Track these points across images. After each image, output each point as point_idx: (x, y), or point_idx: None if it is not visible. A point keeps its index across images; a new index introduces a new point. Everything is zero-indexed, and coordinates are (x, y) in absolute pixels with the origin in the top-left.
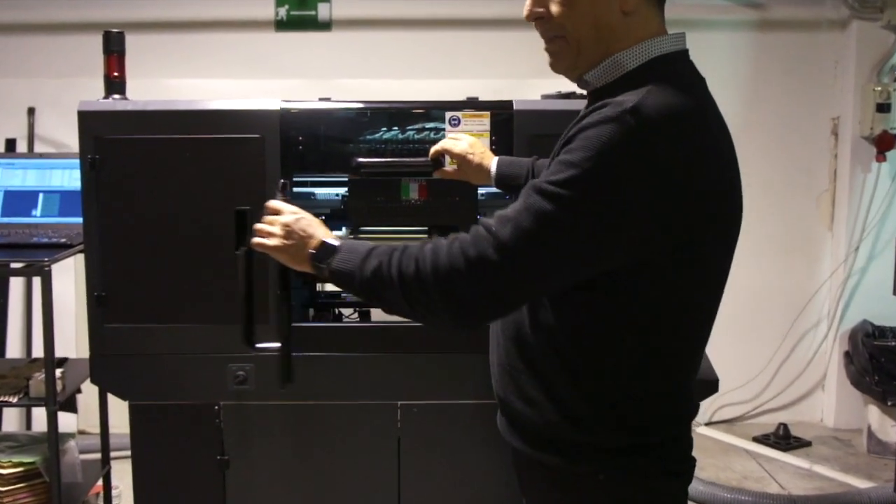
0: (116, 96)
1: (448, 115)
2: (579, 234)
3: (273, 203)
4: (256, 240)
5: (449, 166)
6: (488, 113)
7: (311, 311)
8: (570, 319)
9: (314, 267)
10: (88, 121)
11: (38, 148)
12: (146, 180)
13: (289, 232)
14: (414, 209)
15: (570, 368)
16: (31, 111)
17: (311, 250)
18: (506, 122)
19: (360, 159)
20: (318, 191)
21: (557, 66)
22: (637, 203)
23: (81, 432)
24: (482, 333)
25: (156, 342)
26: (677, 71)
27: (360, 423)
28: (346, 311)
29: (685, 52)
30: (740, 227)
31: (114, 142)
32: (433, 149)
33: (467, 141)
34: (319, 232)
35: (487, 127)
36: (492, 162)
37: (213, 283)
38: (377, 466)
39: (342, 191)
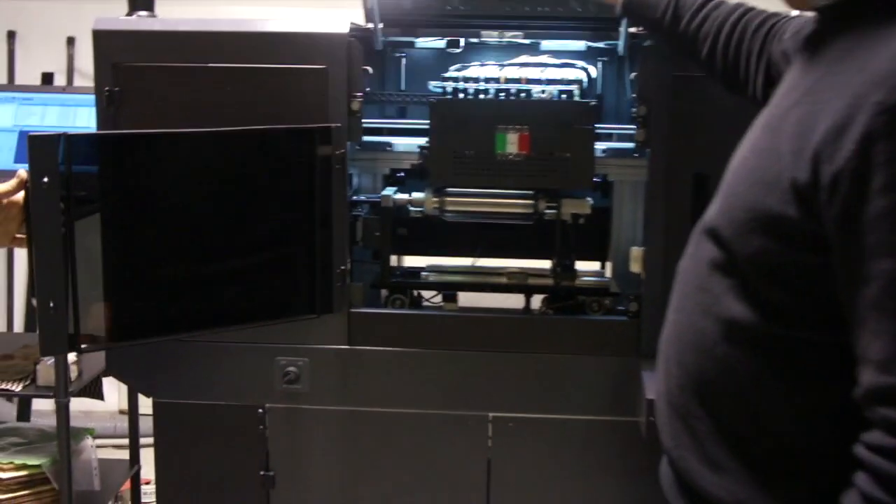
0: (143, 13)
1: None
2: None
3: None
4: None
5: None
6: None
7: (384, 295)
8: (802, 364)
9: None
10: (105, 43)
11: (77, 83)
12: (178, 121)
13: None
14: (512, 166)
15: (790, 431)
16: (70, 41)
17: None
18: None
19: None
20: (396, 140)
21: None
22: None
23: (123, 412)
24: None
25: None
26: None
27: (440, 438)
28: (428, 294)
29: None
30: None
31: (137, 70)
32: None
33: None
34: None
35: None
36: None
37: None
38: (460, 494)
39: (423, 141)
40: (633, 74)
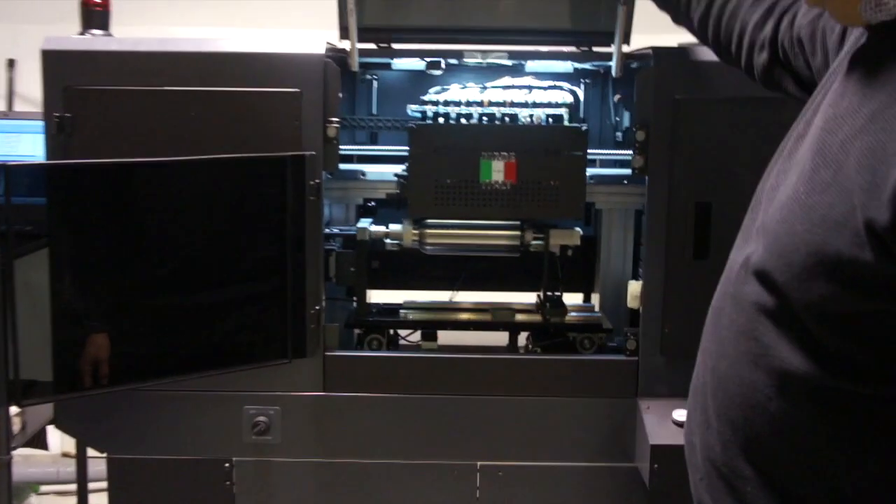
0: (97, 31)
1: None
2: None
3: None
4: None
5: None
6: None
7: (356, 332)
8: (869, 421)
9: None
10: (55, 64)
11: (18, 107)
12: (137, 149)
13: None
14: (498, 196)
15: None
16: (10, 63)
17: None
18: None
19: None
20: (369, 168)
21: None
22: None
23: (67, 455)
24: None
25: None
26: None
27: (425, 490)
28: (405, 331)
29: None
30: None
31: (91, 94)
32: None
33: None
34: None
35: None
36: None
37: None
38: None
39: (399, 169)
40: (616, 97)
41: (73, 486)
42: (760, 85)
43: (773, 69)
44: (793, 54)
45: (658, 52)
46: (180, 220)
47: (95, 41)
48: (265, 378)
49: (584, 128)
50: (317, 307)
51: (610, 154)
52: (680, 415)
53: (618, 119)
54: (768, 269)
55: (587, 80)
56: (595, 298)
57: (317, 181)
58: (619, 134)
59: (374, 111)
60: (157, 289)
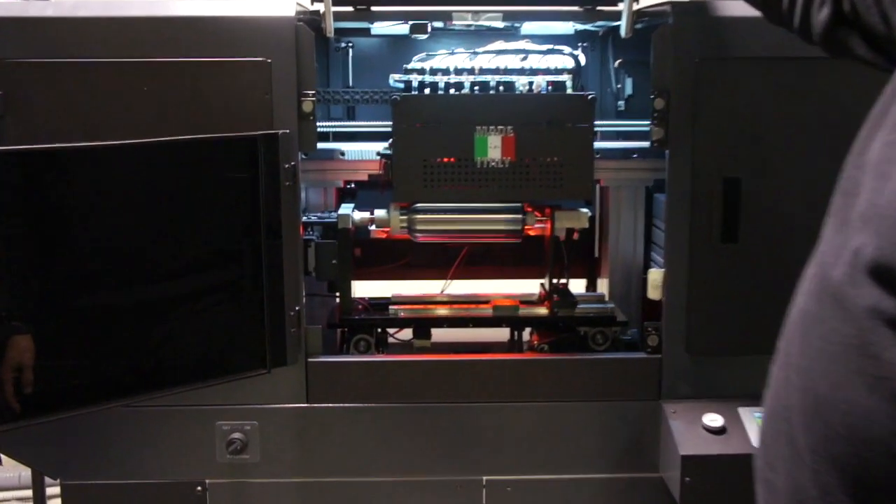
0: None
1: None
2: None
3: None
4: None
5: None
6: None
7: (339, 335)
8: None
9: None
10: None
11: None
12: (83, 131)
13: None
14: (495, 175)
15: None
16: None
17: None
18: None
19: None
20: (349, 146)
21: None
22: None
23: None
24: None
25: None
26: None
27: None
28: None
29: None
30: None
31: (29, 68)
32: None
33: None
34: None
35: None
36: None
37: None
38: None
39: (382, 146)
40: (618, 62)
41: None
42: (821, 48)
43: (838, 27)
44: (864, 6)
45: (677, 7)
46: (138, 213)
47: (29, 6)
48: (240, 389)
49: (591, 96)
50: (297, 308)
51: (613, 125)
52: (712, 420)
53: (619, 86)
54: (892, 264)
55: (584, 44)
56: (602, 285)
57: (292, 163)
58: (621, 103)
59: (351, 83)
60: (114, 295)
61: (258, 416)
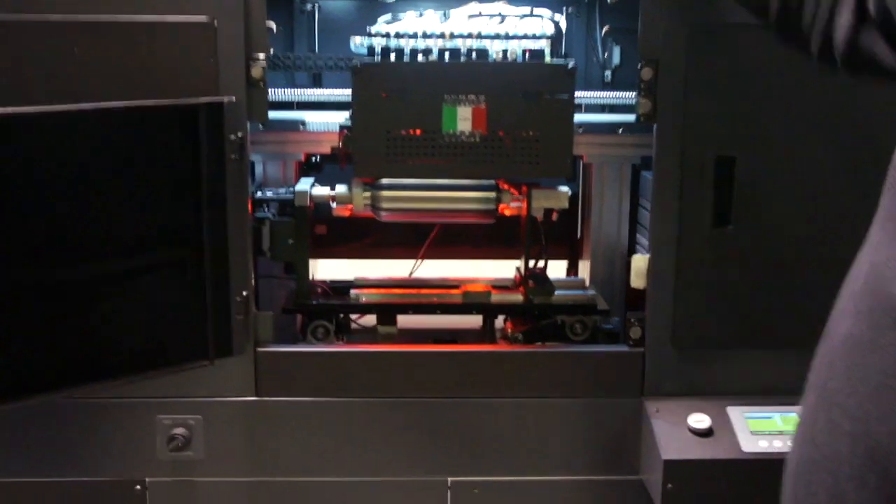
0: None
1: None
2: None
3: None
4: None
5: None
6: None
7: (298, 322)
8: None
9: None
10: None
11: None
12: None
13: None
14: (466, 150)
15: None
16: None
17: None
18: None
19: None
20: (311, 116)
21: None
22: None
23: None
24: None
25: None
26: None
27: None
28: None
29: None
30: None
31: None
32: None
33: None
34: None
35: None
36: None
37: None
38: None
39: (345, 117)
40: (605, 28)
41: None
42: (842, 65)
43: (862, 33)
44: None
45: None
46: (61, 185)
47: None
48: (183, 381)
49: (572, 64)
50: (244, 293)
51: (598, 98)
52: (698, 421)
53: (606, 55)
54: None
55: (569, 9)
56: (583, 269)
57: (239, 135)
58: (607, 73)
59: (317, 48)
60: (37, 276)
61: (203, 409)
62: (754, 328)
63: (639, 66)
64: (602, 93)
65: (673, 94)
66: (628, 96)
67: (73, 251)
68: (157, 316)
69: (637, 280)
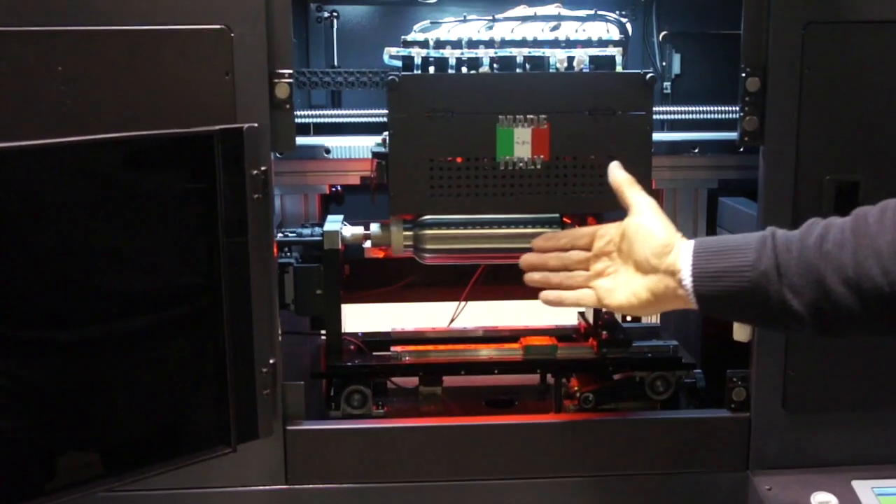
0: None
1: None
2: None
3: None
4: None
5: None
6: None
7: (325, 384)
8: None
9: None
10: None
11: None
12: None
13: None
14: (524, 179)
15: None
16: None
17: None
18: None
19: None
20: (335, 140)
21: None
22: None
23: None
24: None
25: None
26: None
27: None
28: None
29: None
30: None
31: None
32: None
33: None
34: None
35: None
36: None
37: None
38: None
39: (375, 142)
40: (663, 33)
41: None
42: None
43: None
44: None
45: None
46: (44, 233)
47: None
48: (199, 468)
49: (650, 75)
50: (271, 360)
51: (659, 112)
52: (823, 501)
53: (665, 64)
54: None
55: (623, 12)
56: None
57: (263, 169)
58: (666, 84)
59: (336, 62)
60: (21, 350)
61: (225, 502)
62: (880, 386)
63: (742, 75)
64: (665, 107)
65: (785, 109)
66: (693, 110)
67: (57, 315)
68: (167, 394)
69: (740, 332)
